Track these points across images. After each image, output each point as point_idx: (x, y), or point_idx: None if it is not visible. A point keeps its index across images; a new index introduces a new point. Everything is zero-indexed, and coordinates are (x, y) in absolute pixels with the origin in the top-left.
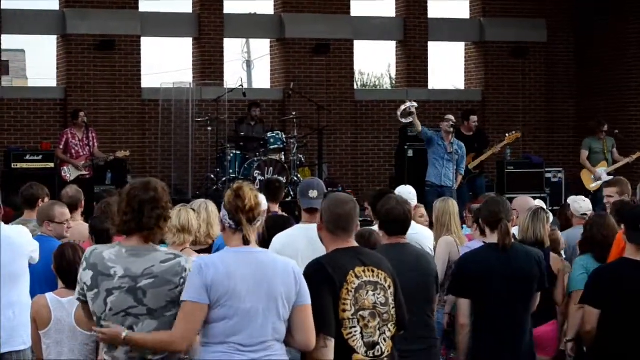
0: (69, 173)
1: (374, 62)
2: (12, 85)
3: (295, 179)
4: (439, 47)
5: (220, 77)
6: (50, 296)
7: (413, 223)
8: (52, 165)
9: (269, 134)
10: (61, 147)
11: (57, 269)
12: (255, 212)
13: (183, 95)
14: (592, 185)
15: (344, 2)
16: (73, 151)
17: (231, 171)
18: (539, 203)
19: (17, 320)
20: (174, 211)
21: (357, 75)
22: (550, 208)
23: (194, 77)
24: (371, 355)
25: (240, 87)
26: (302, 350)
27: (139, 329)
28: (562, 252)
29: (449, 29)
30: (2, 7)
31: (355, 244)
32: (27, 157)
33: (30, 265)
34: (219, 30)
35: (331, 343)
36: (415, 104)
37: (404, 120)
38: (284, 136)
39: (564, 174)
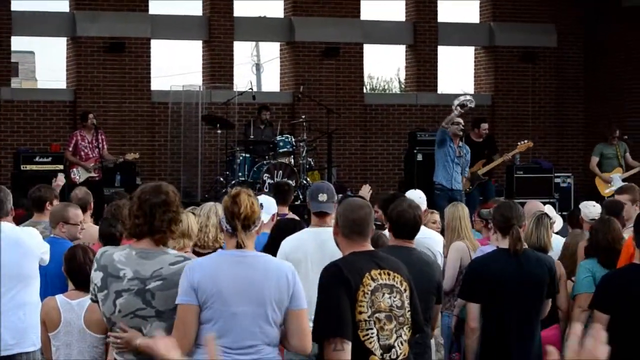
0: (78, 175)
1: (383, 66)
2: (22, 87)
3: (305, 182)
4: (448, 51)
5: (230, 80)
6: (60, 298)
7: (424, 228)
8: (61, 167)
9: (279, 137)
10: (70, 149)
11: (67, 271)
12: (251, 219)
13: (192, 98)
14: (607, 191)
15: (354, 6)
16: (82, 153)
17: (240, 174)
18: (548, 208)
19: (27, 321)
20: None
21: (366, 79)
22: (560, 213)
23: (203, 80)
24: (387, 358)
25: (250, 90)
26: (300, 354)
27: (147, 331)
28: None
29: (459, 34)
30: (12, 9)
31: (371, 248)
32: (37, 159)
33: (42, 267)
34: (229, 33)
35: (348, 346)
36: (472, 100)
37: (454, 113)
38: (293, 139)
39: (573, 179)
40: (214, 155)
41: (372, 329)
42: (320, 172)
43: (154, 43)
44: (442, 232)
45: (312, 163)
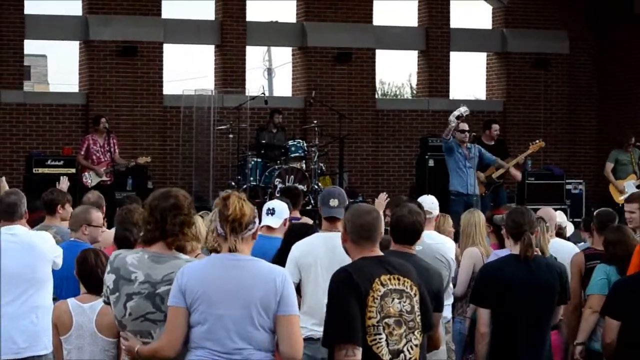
0: (90, 179)
1: (395, 72)
2: (34, 91)
3: (316, 187)
4: (460, 57)
5: (242, 85)
6: (71, 301)
7: (435, 233)
8: (73, 170)
9: (290, 142)
10: (82, 152)
11: (79, 274)
12: (243, 222)
13: (204, 103)
14: (621, 198)
15: (366, 11)
16: (94, 157)
17: (252, 179)
18: (559, 215)
19: (39, 325)
20: None
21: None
22: (571, 220)
23: (215, 84)
24: None
25: (262, 94)
26: None
27: (156, 335)
28: None
29: (471, 39)
30: (25, 12)
31: (380, 253)
32: (49, 162)
33: (59, 271)
34: (242, 38)
35: (359, 352)
36: (467, 110)
37: (451, 125)
38: (305, 144)
39: (585, 185)
40: (225, 159)
41: (380, 334)
42: (331, 177)
43: (167, 47)
44: (455, 238)
45: (323, 168)
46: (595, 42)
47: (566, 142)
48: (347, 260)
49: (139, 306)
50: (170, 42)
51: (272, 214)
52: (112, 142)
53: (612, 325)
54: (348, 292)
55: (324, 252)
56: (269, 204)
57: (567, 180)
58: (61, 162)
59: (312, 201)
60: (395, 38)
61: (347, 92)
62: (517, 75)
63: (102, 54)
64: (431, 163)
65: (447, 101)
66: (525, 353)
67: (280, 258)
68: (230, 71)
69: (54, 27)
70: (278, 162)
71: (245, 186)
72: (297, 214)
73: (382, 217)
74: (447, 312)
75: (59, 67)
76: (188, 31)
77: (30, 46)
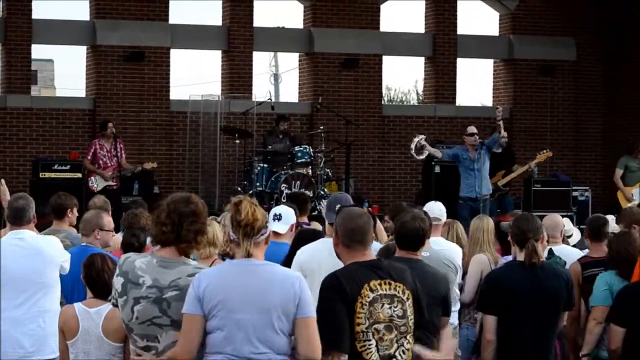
0: (96, 183)
1: (401, 78)
2: (41, 95)
3: (322, 193)
4: (467, 63)
5: (248, 90)
6: (78, 306)
7: (442, 239)
8: (79, 175)
9: (297, 148)
10: (89, 157)
11: (85, 278)
12: (255, 227)
13: (211, 108)
14: (629, 205)
15: (373, 17)
16: (101, 162)
17: (258, 184)
18: (566, 222)
19: (47, 329)
20: None
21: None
22: (577, 226)
23: (222, 90)
24: None
25: (269, 100)
26: None
27: (162, 340)
28: None
29: (478, 46)
30: (33, 17)
31: (373, 257)
32: (55, 167)
33: (70, 275)
34: (249, 44)
35: (344, 358)
36: (422, 136)
37: (421, 157)
38: (311, 150)
39: (591, 192)
40: (232, 165)
41: (369, 340)
42: (338, 183)
43: (174, 52)
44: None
45: (329, 174)
46: (602, 49)
47: (573, 149)
48: None
49: (145, 310)
50: (177, 48)
51: (279, 219)
52: (119, 147)
53: (617, 332)
54: (335, 299)
55: (327, 257)
56: (276, 210)
57: (573, 187)
58: (68, 167)
59: (317, 207)
60: (402, 44)
61: (354, 98)
62: (524, 82)
63: (109, 59)
64: (437, 169)
65: (453, 107)
66: (531, 359)
67: (288, 264)
68: (237, 77)
69: (61, 31)
70: (284, 167)
71: (251, 191)
72: (305, 219)
73: (373, 221)
74: (453, 319)
75: (66, 72)
76: (195, 36)
77: (38, 51)
